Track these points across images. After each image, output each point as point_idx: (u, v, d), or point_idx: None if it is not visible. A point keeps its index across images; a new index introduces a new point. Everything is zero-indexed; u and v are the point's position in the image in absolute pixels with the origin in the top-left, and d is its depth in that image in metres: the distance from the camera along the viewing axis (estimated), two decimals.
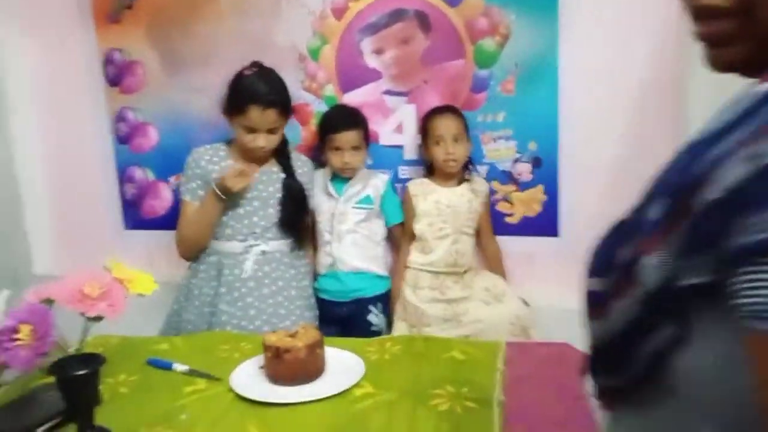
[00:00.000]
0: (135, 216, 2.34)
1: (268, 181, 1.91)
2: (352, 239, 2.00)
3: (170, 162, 2.21)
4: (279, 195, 1.90)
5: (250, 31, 2.13)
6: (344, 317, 2.01)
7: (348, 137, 1.95)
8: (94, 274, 1.15)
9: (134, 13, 2.22)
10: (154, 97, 2.26)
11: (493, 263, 2.07)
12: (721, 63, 0.51)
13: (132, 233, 2.32)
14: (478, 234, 2.05)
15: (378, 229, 2.07)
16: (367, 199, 2.02)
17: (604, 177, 1.99)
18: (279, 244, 1.92)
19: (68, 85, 2.32)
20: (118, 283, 1.16)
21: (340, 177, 2.03)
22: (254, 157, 1.89)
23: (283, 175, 1.92)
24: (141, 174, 2.32)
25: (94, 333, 1.39)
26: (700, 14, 0.51)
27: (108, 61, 2.27)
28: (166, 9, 2.19)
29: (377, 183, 2.04)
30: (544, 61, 1.96)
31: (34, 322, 1.06)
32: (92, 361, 1.21)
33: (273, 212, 1.89)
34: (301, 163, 1.98)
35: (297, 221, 1.93)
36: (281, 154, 1.93)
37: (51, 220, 2.40)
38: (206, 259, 1.92)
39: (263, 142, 1.81)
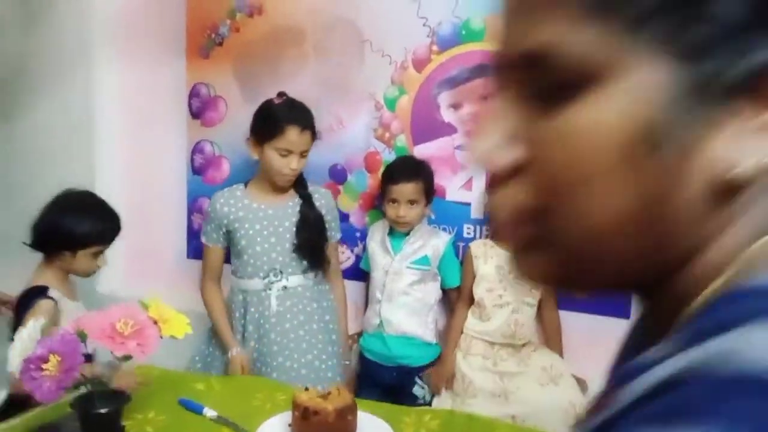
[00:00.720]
0: (198, 246, 2.38)
1: (284, 216, 1.89)
2: (403, 301, 1.92)
3: None
4: (295, 227, 1.88)
5: (331, 75, 2.15)
6: (388, 384, 1.91)
7: (405, 189, 1.88)
8: (129, 310, 1.13)
9: (224, 50, 2.29)
10: (231, 132, 2.31)
11: (550, 337, 1.92)
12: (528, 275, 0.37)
13: (193, 262, 2.35)
14: (540, 304, 1.92)
15: (432, 292, 1.97)
16: (425, 260, 1.93)
17: None
18: (299, 279, 1.90)
19: (154, 114, 2.43)
20: (151, 323, 1.14)
21: (399, 232, 1.96)
22: (277, 188, 1.89)
23: (299, 207, 1.90)
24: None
25: None
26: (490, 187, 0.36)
27: (193, 94, 2.35)
28: (253, 48, 2.25)
29: (437, 243, 1.95)
30: None
31: (64, 353, 1.05)
32: (117, 399, 1.19)
33: (290, 246, 1.88)
34: (319, 195, 1.95)
35: (314, 247, 1.89)
36: (299, 183, 1.92)
37: (120, 240, 2.47)
38: (234, 298, 1.95)
39: (296, 164, 1.82)
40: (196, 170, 2.40)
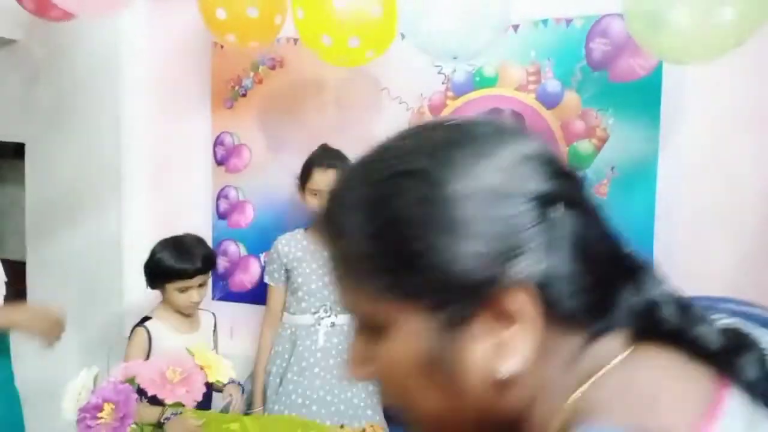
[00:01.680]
0: (224, 288, 2.46)
1: None
2: None
3: (263, 239, 2.32)
4: None
5: (351, 123, 2.24)
6: None
7: None
8: (177, 359, 1.20)
9: (247, 101, 2.40)
10: (255, 178, 2.41)
11: None
12: None
13: (218, 304, 2.42)
14: None
15: None
16: None
17: (699, 289, 1.85)
18: (347, 317, 1.99)
19: (180, 162, 2.53)
20: (198, 369, 1.21)
21: None
22: None
23: None
24: (234, 248, 2.44)
25: None
26: None
27: (218, 142, 2.46)
28: (276, 99, 2.35)
29: None
30: (643, 166, 1.90)
31: (117, 401, 1.12)
32: None
33: None
34: None
35: None
36: None
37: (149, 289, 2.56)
38: (281, 333, 2.06)
39: None
40: (222, 215, 2.49)
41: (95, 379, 1.19)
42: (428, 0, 1.61)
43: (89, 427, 1.10)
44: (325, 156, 1.99)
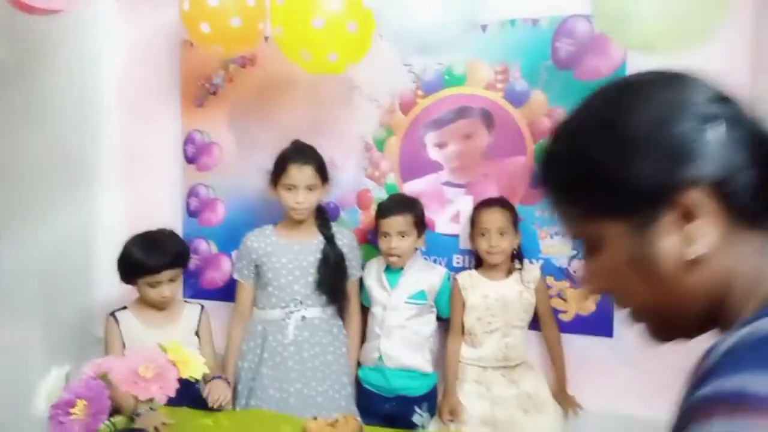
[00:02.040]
0: (195, 286, 2.45)
1: (308, 252, 2.03)
2: (401, 335, 2.00)
3: (234, 237, 2.31)
4: (317, 264, 2.02)
5: (322, 120, 2.26)
6: (387, 413, 1.98)
7: (394, 222, 1.97)
8: (149, 355, 1.20)
9: (218, 99, 2.40)
10: (226, 176, 2.41)
11: (552, 350, 2.02)
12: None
13: (189, 301, 2.41)
14: (540, 326, 2.01)
15: (428, 324, 2.05)
16: (421, 295, 2.02)
17: None
18: (317, 311, 2.03)
19: (150, 160, 2.51)
20: (171, 365, 1.21)
21: (394, 268, 2.04)
22: (302, 227, 2.04)
23: (322, 246, 2.03)
24: (205, 246, 2.44)
25: None
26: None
27: (189, 140, 2.45)
28: (247, 97, 2.35)
29: (433, 278, 2.03)
30: None
31: (90, 397, 1.12)
32: None
33: (312, 280, 2.01)
34: (341, 235, 2.08)
35: (334, 284, 2.02)
36: (323, 225, 2.06)
37: (118, 284, 2.53)
38: (251, 329, 2.07)
39: (302, 197, 1.97)
40: (192, 213, 2.48)
41: (67, 376, 1.19)
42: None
43: (61, 423, 1.10)
44: (300, 152, 2.01)
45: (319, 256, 2.02)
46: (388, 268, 2.06)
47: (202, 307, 2.05)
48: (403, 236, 1.98)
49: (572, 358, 2.04)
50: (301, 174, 1.97)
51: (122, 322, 1.92)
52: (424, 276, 2.03)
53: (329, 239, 2.04)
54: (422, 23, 1.60)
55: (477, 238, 1.98)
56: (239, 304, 2.12)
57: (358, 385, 2.08)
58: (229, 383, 1.86)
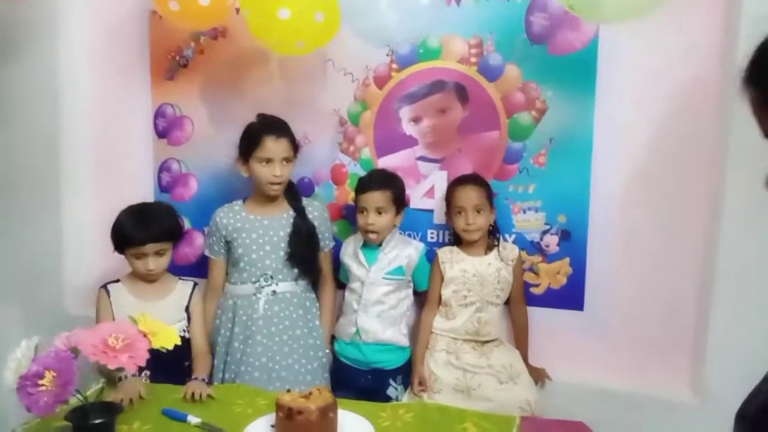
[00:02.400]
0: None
1: (278, 227, 2.02)
2: (378, 310, 2.01)
3: (207, 212, 2.27)
4: (288, 237, 2.01)
5: (296, 94, 2.24)
6: (362, 387, 1.99)
7: (372, 198, 1.97)
8: (119, 326, 1.19)
9: (189, 72, 2.36)
10: (198, 150, 2.38)
11: (518, 330, 2.05)
12: None
13: (183, 279, 2.38)
14: (509, 303, 2.04)
15: (405, 299, 2.06)
16: (399, 270, 2.02)
17: (633, 255, 1.97)
18: (288, 285, 2.03)
19: (120, 134, 2.47)
20: (141, 336, 1.20)
21: (372, 245, 2.03)
22: (272, 201, 2.03)
23: (293, 219, 2.03)
24: None
25: None
26: None
27: (159, 114, 2.41)
28: (219, 70, 2.32)
29: (411, 253, 2.03)
30: (579, 137, 1.98)
31: (59, 369, 1.11)
32: (109, 409, 1.25)
33: (283, 254, 2.01)
34: (312, 208, 2.08)
35: (306, 257, 2.02)
36: (293, 198, 2.06)
37: (91, 260, 2.49)
38: (224, 303, 2.07)
39: (279, 170, 1.95)
40: (164, 188, 2.45)
41: (36, 348, 1.17)
42: None
43: (30, 394, 1.09)
44: (274, 125, 1.99)
45: (289, 230, 2.02)
46: (365, 245, 2.05)
47: (195, 284, 2.02)
48: (380, 212, 1.97)
49: (544, 331, 2.07)
50: (277, 147, 1.95)
51: (113, 294, 1.91)
52: (402, 251, 2.03)
53: (300, 212, 2.04)
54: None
55: (453, 216, 1.99)
56: (211, 281, 2.11)
57: (335, 358, 2.09)
58: (208, 384, 1.80)
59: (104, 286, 1.94)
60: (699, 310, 1.90)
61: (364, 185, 2.00)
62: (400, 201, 2.02)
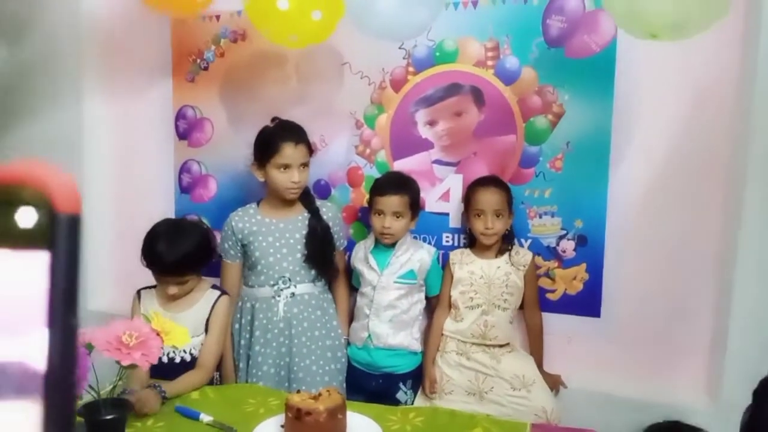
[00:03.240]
0: None
1: (294, 229, 2.03)
2: (390, 315, 2.00)
3: (226, 212, 2.29)
4: (305, 239, 2.01)
5: (313, 96, 2.26)
6: (373, 390, 1.99)
7: (390, 202, 1.96)
8: (133, 324, 1.22)
9: (209, 75, 2.39)
10: (218, 152, 2.41)
11: (531, 337, 2.03)
12: None
13: (215, 288, 2.41)
14: (523, 308, 2.02)
15: (417, 303, 2.05)
16: (411, 274, 2.01)
17: (651, 261, 1.94)
18: (307, 287, 2.03)
19: (142, 135, 2.52)
20: (154, 334, 1.23)
21: (383, 246, 2.03)
22: (287, 204, 2.03)
23: (308, 221, 2.03)
24: None
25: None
26: None
27: (180, 116, 2.45)
28: (238, 72, 2.35)
29: (423, 257, 2.02)
30: (597, 141, 1.96)
31: None
32: (121, 406, 1.27)
33: (300, 257, 2.01)
34: (326, 209, 2.09)
35: (322, 257, 2.02)
36: (307, 199, 2.06)
37: (110, 258, 2.55)
38: (243, 306, 2.06)
39: (298, 176, 1.96)
40: (184, 189, 2.49)
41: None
42: None
43: None
44: (292, 131, 1.99)
45: (305, 231, 2.02)
46: (376, 248, 2.05)
47: (221, 294, 1.87)
48: (398, 216, 1.97)
49: (559, 338, 2.05)
50: (296, 153, 1.95)
51: (144, 301, 1.85)
52: (414, 255, 2.02)
53: (314, 213, 2.04)
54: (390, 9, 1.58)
55: (472, 218, 1.97)
56: (226, 285, 2.06)
57: (348, 362, 2.10)
58: (163, 395, 1.58)
59: (139, 291, 1.89)
60: (717, 316, 1.87)
61: (382, 188, 2.00)
62: (415, 205, 2.02)
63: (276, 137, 1.97)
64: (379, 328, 2.00)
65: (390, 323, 2.00)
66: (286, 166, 1.95)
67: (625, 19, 1.54)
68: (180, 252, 1.76)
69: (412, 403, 1.99)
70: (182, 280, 1.79)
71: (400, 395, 2.00)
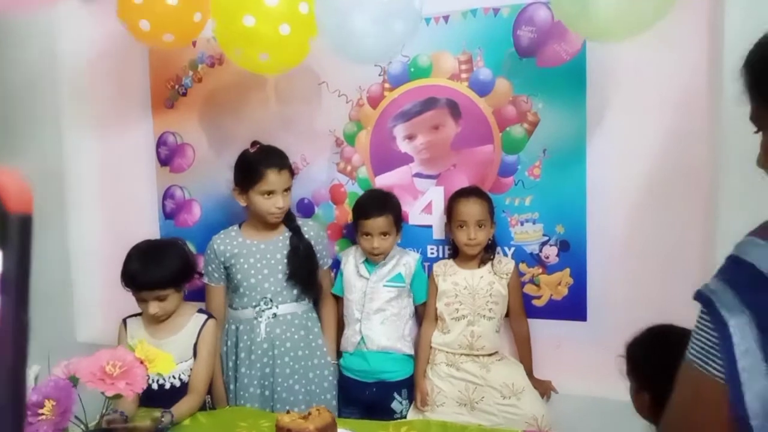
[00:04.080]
0: None
1: (275, 249, 2.04)
2: (381, 317, 2.03)
3: (210, 236, 2.30)
4: (287, 258, 2.02)
5: (293, 116, 2.28)
6: (368, 401, 2.01)
7: (377, 224, 2.00)
8: (116, 353, 1.22)
9: (188, 100, 2.41)
10: (200, 176, 2.42)
11: (520, 344, 2.04)
12: None
13: (201, 312, 2.40)
14: (509, 316, 2.03)
15: (407, 306, 2.08)
16: (399, 277, 2.05)
17: (632, 262, 1.96)
18: (289, 307, 2.04)
19: (124, 165, 2.52)
20: (138, 363, 1.23)
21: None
22: (268, 226, 2.04)
23: (289, 240, 2.04)
24: None
25: None
26: None
27: (161, 142, 2.46)
28: (217, 96, 2.37)
29: (409, 261, 2.07)
30: (573, 147, 1.99)
31: (58, 398, 1.13)
32: None
33: (282, 277, 2.02)
34: (308, 228, 2.10)
35: (306, 274, 2.03)
36: (288, 218, 2.07)
37: (97, 288, 2.54)
38: (228, 328, 2.07)
39: (282, 202, 1.97)
40: (168, 215, 2.49)
41: (36, 378, 1.20)
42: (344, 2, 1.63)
43: (30, 423, 1.12)
44: (275, 156, 2.00)
45: (286, 251, 2.03)
46: (366, 261, 2.09)
47: (207, 318, 1.88)
48: (385, 236, 2.01)
49: (547, 343, 2.06)
50: (280, 179, 1.96)
51: (130, 328, 1.86)
52: (401, 260, 2.07)
53: (296, 231, 2.06)
54: (364, 29, 1.59)
55: (454, 230, 1.99)
56: (211, 308, 2.05)
57: (339, 374, 2.10)
58: (171, 419, 1.61)
59: (125, 320, 1.89)
60: None
61: (366, 211, 2.02)
62: (399, 221, 2.07)
63: (259, 164, 1.96)
64: (371, 330, 2.02)
65: (382, 325, 2.02)
66: (270, 193, 1.96)
67: (571, 19, 1.58)
68: (155, 265, 1.78)
69: (407, 412, 1.99)
70: (161, 295, 1.78)
71: (395, 405, 2.00)
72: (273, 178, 1.95)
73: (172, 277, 1.80)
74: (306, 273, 2.03)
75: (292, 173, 2.04)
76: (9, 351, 0.27)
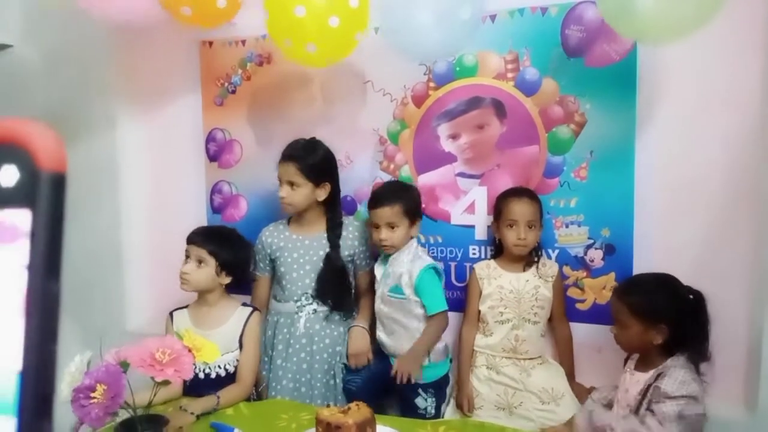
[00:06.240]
0: None
1: (318, 246, 2.08)
2: (391, 326, 2.01)
3: (256, 230, 2.35)
4: (319, 272, 2.05)
5: (337, 115, 2.30)
6: (391, 392, 2.00)
7: (382, 213, 1.94)
8: (166, 341, 1.26)
9: (237, 98, 2.46)
10: (247, 172, 2.47)
11: (561, 349, 2.01)
12: None
13: (246, 305, 2.46)
14: (550, 320, 2.01)
15: (413, 318, 1.98)
16: (396, 289, 1.98)
17: (680, 268, 1.90)
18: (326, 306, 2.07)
19: (174, 160, 2.60)
20: (186, 351, 1.27)
21: (387, 255, 2.02)
22: (312, 221, 2.10)
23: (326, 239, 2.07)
24: None
25: None
26: None
27: (210, 138, 2.52)
28: (264, 94, 2.42)
29: (412, 270, 1.95)
30: (620, 149, 1.95)
31: (109, 382, 1.18)
32: (156, 421, 1.32)
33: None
34: (352, 228, 2.11)
35: (332, 293, 2.05)
36: (331, 225, 2.08)
37: (147, 279, 2.63)
38: (270, 319, 2.13)
39: (284, 192, 2.02)
40: (216, 209, 2.55)
41: (89, 363, 1.26)
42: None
43: (83, 406, 1.17)
44: (287, 149, 2.06)
45: (328, 250, 2.06)
46: (384, 258, 2.06)
47: (252, 310, 1.91)
48: (392, 227, 1.94)
49: (589, 348, 2.03)
50: (283, 170, 2.03)
51: (176, 321, 1.90)
52: (405, 270, 1.96)
53: (334, 245, 2.06)
54: (426, 25, 1.60)
55: (503, 229, 1.95)
56: (255, 298, 2.15)
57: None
58: (216, 405, 1.69)
59: (171, 313, 1.94)
60: (751, 323, 1.83)
61: (374, 201, 1.99)
62: (412, 212, 1.98)
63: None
64: (384, 338, 2.03)
65: (393, 335, 2.00)
66: (279, 181, 2.04)
67: (614, 18, 1.56)
68: (220, 234, 1.95)
69: (433, 410, 1.97)
70: (201, 257, 1.86)
71: (419, 401, 1.96)
72: (280, 168, 2.04)
73: (219, 242, 1.91)
74: (334, 293, 2.05)
75: (311, 173, 2.01)
76: (35, 322, 0.25)
